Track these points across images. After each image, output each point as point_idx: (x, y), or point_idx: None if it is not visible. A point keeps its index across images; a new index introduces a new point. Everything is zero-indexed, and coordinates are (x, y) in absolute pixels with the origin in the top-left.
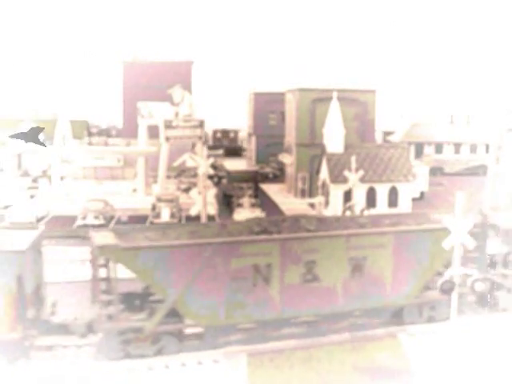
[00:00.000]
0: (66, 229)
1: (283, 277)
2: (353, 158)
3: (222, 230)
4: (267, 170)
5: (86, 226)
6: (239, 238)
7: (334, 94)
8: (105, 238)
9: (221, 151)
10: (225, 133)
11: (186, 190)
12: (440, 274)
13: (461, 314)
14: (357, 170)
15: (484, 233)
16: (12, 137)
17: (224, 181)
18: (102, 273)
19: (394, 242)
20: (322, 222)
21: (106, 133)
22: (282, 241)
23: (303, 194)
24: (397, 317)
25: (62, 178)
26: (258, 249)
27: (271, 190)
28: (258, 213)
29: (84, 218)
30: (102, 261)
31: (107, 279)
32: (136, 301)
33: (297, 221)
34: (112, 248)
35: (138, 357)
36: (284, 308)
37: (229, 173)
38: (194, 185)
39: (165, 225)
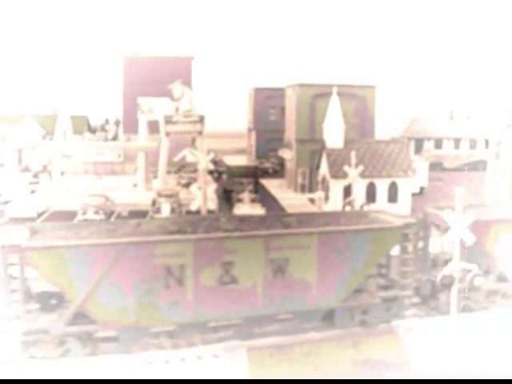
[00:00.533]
0: None
1: (198, 278)
2: (353, 154)
3: (136, 230)
4: (267, 165)
5: (86, 220)
6: (149, 238)
7: (334, 90)
8: (15, 235)
9: None
10: None
11: (187, 185)
12: (371, 276)
13: (401, 318)
14: (356, 165)
15: (426, 232)
16: (12, 132)
17: (224, 176)
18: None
19: (318, 243)
20: (243, 221)
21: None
22: (196, 241)
23: (303, 189)
24: (327, 320)
25: (62, 173)
26: (170, 249)
27: (271, 185)
28: (257, 208)
29: (84, 213)
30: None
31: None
32: (52, 300)
33: (216, 220)
34: (16, 248)
35: (41, 359)
36: (199, 310)
37: (229, 168)
38: (195, 180)
39: (81, 222)
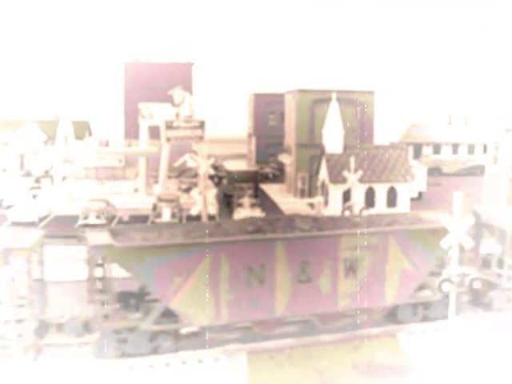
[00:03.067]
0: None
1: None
2: (352, 159)
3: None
4: (267, 170)
5: (87, 225)
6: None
7: (334, 95)
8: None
9: None
10: None
11: (187, 190)
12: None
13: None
14: (356, 170)
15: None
16: (14, 137)
17: (224, 181)
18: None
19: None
20: None
21: None
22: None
23: (303, 193)
24: None
25: (63, 178)
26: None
27: (271, 189)
28: (257, 213)
29: (86, 217)
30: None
31: None
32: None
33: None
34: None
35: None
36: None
37: (229, 173)
38: (195, 185)
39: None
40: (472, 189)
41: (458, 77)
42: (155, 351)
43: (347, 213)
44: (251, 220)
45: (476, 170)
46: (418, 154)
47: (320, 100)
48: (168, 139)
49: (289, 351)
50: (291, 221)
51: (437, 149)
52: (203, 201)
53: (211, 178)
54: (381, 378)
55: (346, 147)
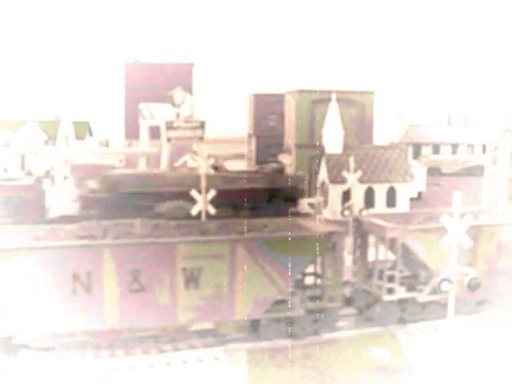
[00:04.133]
0: None
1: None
2: (351, 159)
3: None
4: (267, 170)
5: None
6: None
7: (333, 96)
8: None
9: None
10: None
11: None
12: None
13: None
14: (355, 170)
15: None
16: (15, 137)
17: None
18: None
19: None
20: None
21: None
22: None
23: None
24: None
25: (65, 178)
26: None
27: None
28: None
29: None
30: None
31: None
32: None
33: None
34: None
35: None
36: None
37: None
38: None
39: None
40: (471, 189)
41: (457, 77)
42: None
43: (347, 213)
44: (86, 225)
45: (475, 170)
46: (417, 154)
47: (320, 100)
48: (168, 139)
49: (289, 351)
50: (130, 226)
51: (436, 149)
52: (203, 201)
53: None
54: (380, 378)
55: (345, 147)
